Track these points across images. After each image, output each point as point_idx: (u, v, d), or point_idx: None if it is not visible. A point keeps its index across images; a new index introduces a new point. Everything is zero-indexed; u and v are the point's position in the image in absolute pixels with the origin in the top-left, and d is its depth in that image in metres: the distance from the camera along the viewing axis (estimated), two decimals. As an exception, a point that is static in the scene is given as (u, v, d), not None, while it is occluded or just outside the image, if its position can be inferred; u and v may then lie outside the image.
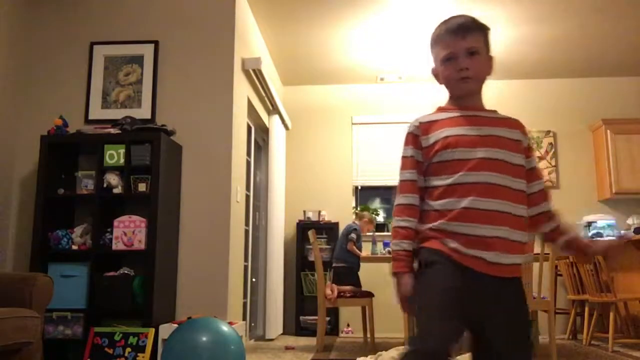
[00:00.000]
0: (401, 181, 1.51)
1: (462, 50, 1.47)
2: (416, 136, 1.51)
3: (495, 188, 1.40)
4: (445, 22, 1.53)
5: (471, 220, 1.38)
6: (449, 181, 1.42)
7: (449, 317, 1.35)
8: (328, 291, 4.50)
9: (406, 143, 1.53)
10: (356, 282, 4.90)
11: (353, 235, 4.98)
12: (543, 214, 1.52)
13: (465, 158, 1.42)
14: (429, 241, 1.43)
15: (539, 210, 1.52)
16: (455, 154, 1.43)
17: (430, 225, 1.43)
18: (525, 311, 1.47)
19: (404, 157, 1.52)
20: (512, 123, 1.52)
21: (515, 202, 1.41)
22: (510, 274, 1.40)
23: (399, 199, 1.49)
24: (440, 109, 1.55)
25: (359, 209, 6.03)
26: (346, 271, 4.91)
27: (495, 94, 6.27)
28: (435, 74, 1.57)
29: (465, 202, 1.39)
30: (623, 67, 6.00)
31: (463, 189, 1.40)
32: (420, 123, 1.52)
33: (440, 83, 1.56)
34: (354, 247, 4.94)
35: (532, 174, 1.51)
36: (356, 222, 5.26)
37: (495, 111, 1.53)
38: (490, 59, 1.55)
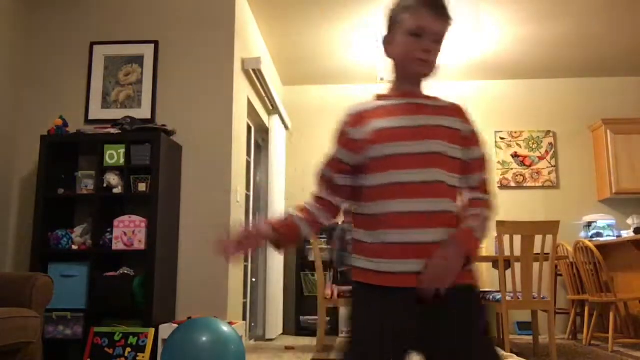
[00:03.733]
0: (318, 174, 1.41)
1: (433, 32, 1.31)
2: (344, 132, 1.37)
3: (430, 186, 1.26)
4: None
5: (404, 224, 1.25)
6: (378, 181, 1.29)
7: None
8: (327, 291, 4.50)
9: (334, 139, 1.39)
10: None
11: (349, 237, 4.98)
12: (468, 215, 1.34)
13: (395, 154, 1.28)
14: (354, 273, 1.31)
15: (467, 212, 1.33)
16: (384, 149, 1.29)
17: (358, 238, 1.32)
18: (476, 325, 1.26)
19: (329, 154, 1.40)
20: (451, 110, 1.36)
21: (448, 199, 1.28)
22: (458, 280, 1.24)
23: (315, 190, 1.41)
24: (378, 97, 1.40)
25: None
26: None
27: (496, 94, 6.27)
28: (387, 43, 1.39)
29: (395, 205, 1.26)
30: (623, 67, 6.00)
31: (393, 190, 1.27)
32: (350, 115, 1.38)
33: (389, 55, 1.38)
34: None
35: (469, 166, 1.34)
36: (346, 220, 5.22)
37: (437, 98, 1.39)
38: None
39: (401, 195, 1.26)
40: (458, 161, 1.32)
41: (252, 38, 4.77)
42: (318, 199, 1.40)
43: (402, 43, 1.33)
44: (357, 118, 1.36)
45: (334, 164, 1.38)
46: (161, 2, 4.19)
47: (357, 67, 5.95)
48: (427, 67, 1.33)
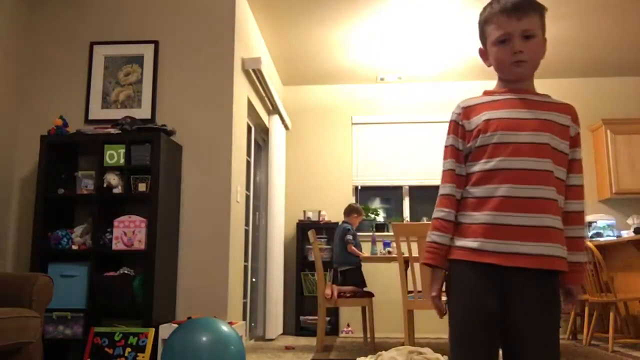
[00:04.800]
0: (443, 171, 1.45)
1: (517, 32, 1.38)
2: (457, 123, 1.45)
3: (537, 174, 1.33)
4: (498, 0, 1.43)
5: (510, 208, 1.31)
6: (487, 166, 1.36)
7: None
8: (327, 291, 4.50)
9: (448, 131, 1.47)
10: (363, 281, 4.93)
11: (349, 237, 4.97)
12: (568, 214, 1.41)
13: (506, 142, 1.35)
14: (455, 252, 1.39)
15: (567, 208, 1.41)
16: (494, 137, 1.36)
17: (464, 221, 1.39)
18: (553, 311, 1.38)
19: (445, 146, 1.46)
20: (563, 108, 1.42)
21: (554, 188, 1.34)
22: (553, 265, 1.32)
23: (440, 190, 1.45)
24: (486, 93, 1.49)
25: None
26: (352, 272, 4.93)
27: (495, 94, 6.27)
28: (483, 54, 1.50)
29: (503, 189, 1.32)
30: (623, 67, 6.00)
31: (502, 175, 1.34)
32: (463, 108, 1.46)
33: (489, 65, 1.48)
34: (354, 249, 4.95)
35: (573, 165, 1.42)
36: (346, 220, 5.23)
37: (547, 95, 1.45)
38: (544, 41, 1.45)
39: (510, 180, 1.33)
40: (565, 155, 1.39)
41: (252, 38, 4.77)
42: (448, 199, 1.42)
43: (494, 52, 1.43)
44: (469, 110, 1.44)
45: (455, 154, 1.44)
46: (161, 2, 4.19)
47: (357, 67, 5.95)
48: (523, 66, 1.40)
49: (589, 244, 4.50)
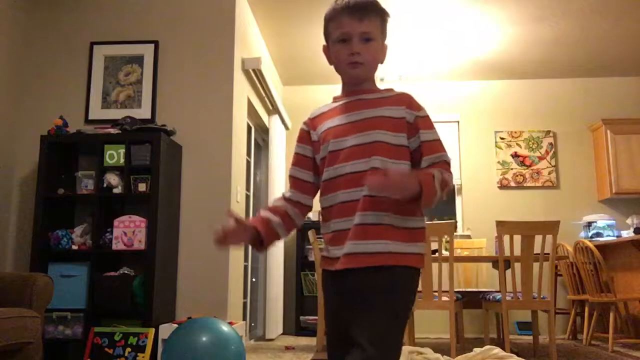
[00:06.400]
0: (290, 175, 1.49)
1: (356, 33, 1.37)
2: (306, 132, 1.47)
3: (364, 175, 1.30)
4: None
5: (344, 214, 1.32)
6: (326, 176, 1.37)
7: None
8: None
9: (298, 140, 1.49)
10: None
11: None
12: None
13: (337, 149, 1.35)
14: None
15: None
16: (329, 146, 1.37)
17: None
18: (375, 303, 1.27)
19: (295, 154, 1.49)
20: (396, 100, 1.39)
21: None
22: (364, 263, 1.28)
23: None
24: (334, 99, 1.50)
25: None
26: None
27: (496, 94, 6.27)
28: (326, 53, 1.48)
29: (339, 196, 1.33)
30: (623, 67, 6.00)
31: (337, 182, 1.34)
32: (310, 119, 1.49)
33: (330, 63, 1.48)
34: None
35: (419, 151, 1.36)
36: None
37: (389, 90, 1.44)
38: (384, 47, 1.45)
39: (342, 186, 1.33)
40: (404, 148, 1.35)
41: (252, 38, 4.77)
42: (289, 200, 1.45)
43: (334, 51, 1.42)
44: (315, 121, 1.46)
45: (298, 160, 1.46)
46: (161, 2, 4.19)
47: (357, 67, 5.94)
48: (360, 67, 1.40)
49: (589, 244, 4.50)
